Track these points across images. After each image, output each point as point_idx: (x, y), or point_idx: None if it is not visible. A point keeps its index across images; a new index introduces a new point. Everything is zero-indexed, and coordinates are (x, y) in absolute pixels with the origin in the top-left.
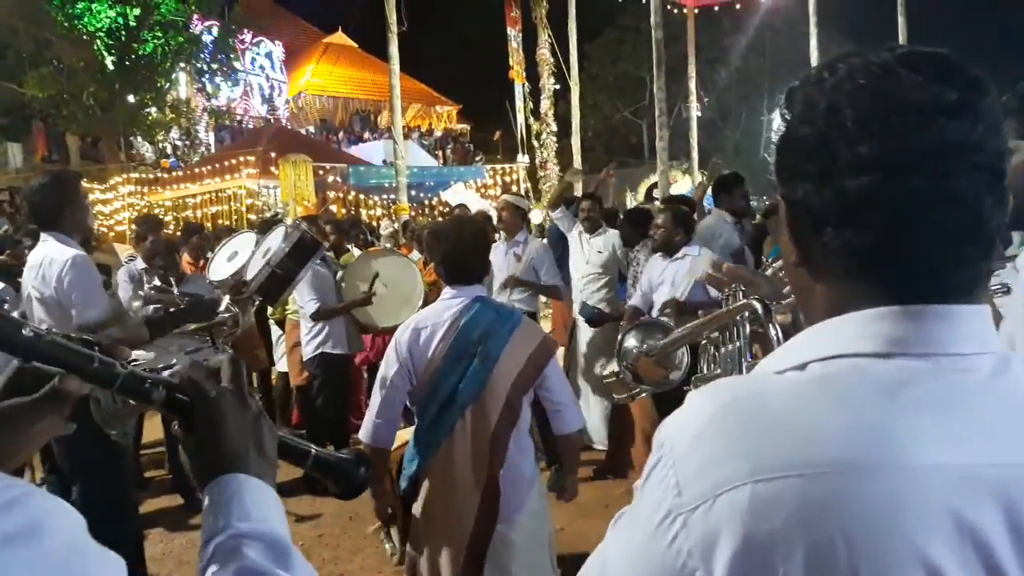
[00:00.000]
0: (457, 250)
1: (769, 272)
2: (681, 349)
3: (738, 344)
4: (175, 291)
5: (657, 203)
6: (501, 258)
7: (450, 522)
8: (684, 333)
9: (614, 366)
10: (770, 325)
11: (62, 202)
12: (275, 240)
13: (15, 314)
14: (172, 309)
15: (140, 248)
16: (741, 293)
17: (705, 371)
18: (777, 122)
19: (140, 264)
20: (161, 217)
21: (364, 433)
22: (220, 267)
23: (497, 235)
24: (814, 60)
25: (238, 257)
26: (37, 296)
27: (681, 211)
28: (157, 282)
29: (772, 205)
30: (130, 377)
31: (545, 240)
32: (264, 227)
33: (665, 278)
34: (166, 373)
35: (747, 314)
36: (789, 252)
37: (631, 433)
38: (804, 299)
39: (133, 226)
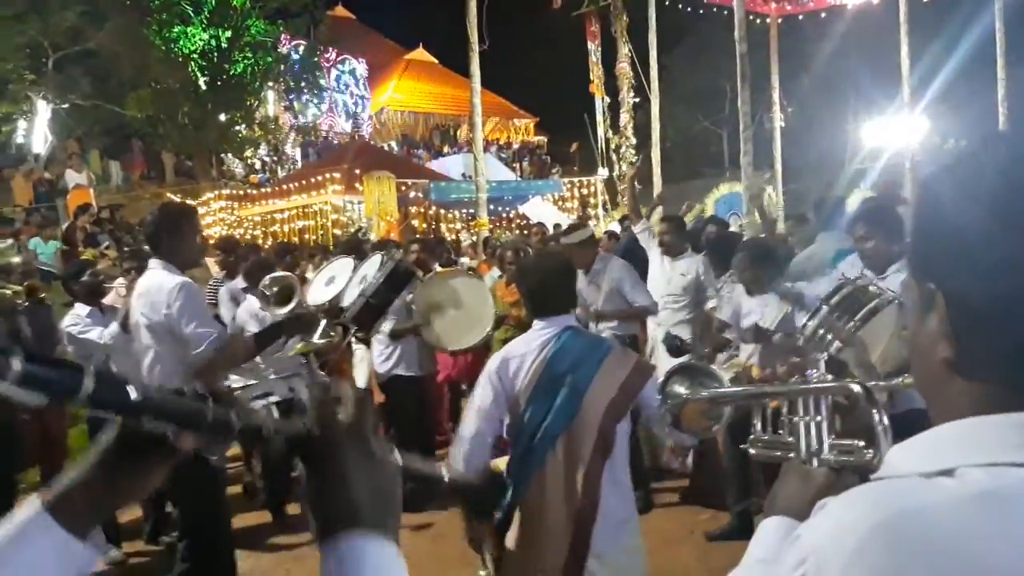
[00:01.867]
0: (543, 284)
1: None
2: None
3: (819, 419)
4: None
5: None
6: (584, 291)
7: (542, 555)
8: (745, 393)
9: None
10: (875, 413)
11: (171, 233)
12: (371, 268)
13: (106, 334)
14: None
15: (224, 266)
16: (823, 359)
17: (760, 431)
18: (917, 204)
19: (241, 283)
20: (245, 233)
21: (456, 461)
22: (318, 291)
23: None
24: (904, 69)
25: (335, 283)
26: (145, 323)
27: (758, 249)
28: (257, 304)
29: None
30: (248, 428)
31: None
32: (349, 246)
33: (752, 309)
34: (267, 399)
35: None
36: (935, 344)
37: (713, 458)
38: (935, 392)
39: (216, 250)
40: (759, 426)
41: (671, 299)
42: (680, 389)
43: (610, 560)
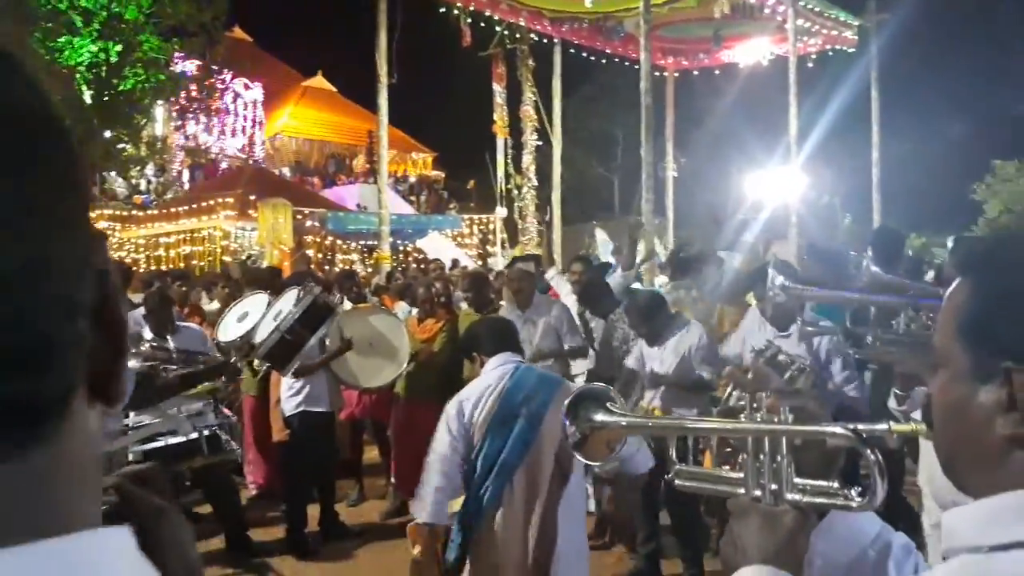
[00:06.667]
0: (501, 324)
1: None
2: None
3: (779, 458)
4: (171, 345)
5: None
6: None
7: None
8: (680, 426)
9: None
10: (877, 466)
11: None
12: (286, 304)
13: None
14: (176, 368)
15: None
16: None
17: (681, 464)
18: (993, 277)
19: (142, 311)
20: (126, 256)
21: (423, 512)
22: (230, 327)
23: (502, 302)
24: (792, 131)
25: (248, 318)
26: None
27: (640, 308)
28: (149, 335)
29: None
30: None
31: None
32: (248, 274)
33: (652, 357)
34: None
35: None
36: (992, 418)
37: (624, 495)
38: (982, 462)
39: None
40: (675, 456)
41: None
42: (600, 417)
43: None
